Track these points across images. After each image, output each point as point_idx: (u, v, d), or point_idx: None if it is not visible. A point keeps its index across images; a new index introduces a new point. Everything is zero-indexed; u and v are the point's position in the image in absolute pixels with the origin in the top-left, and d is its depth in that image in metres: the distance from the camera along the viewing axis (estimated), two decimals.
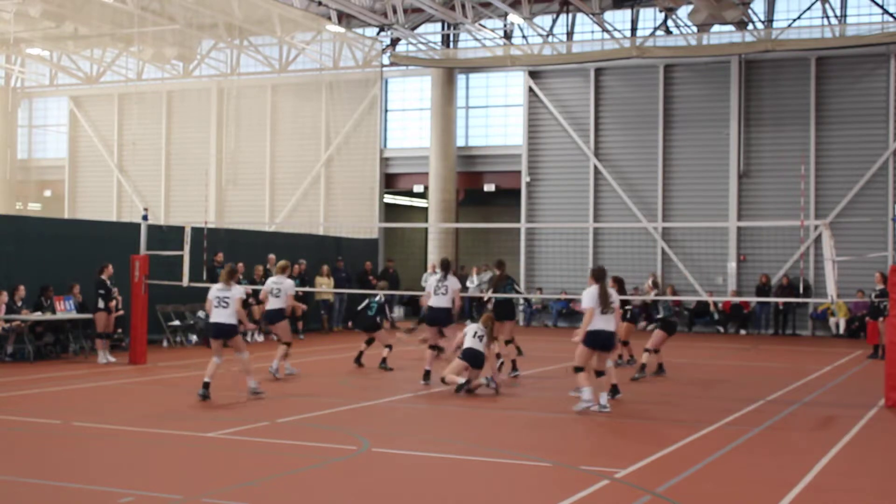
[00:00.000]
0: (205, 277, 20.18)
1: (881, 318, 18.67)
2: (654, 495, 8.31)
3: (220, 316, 13.53)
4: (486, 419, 12.49)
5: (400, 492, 8.52)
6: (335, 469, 9.31)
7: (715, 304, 27.75)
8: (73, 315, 18.63)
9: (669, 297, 17.33)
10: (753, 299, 27.12)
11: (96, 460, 9.75)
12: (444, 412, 13.12)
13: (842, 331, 26.80)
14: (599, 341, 12.47)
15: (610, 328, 12.55)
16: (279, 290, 15.77)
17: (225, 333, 13.59)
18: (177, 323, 21.53)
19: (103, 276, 18.06)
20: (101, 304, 17.94)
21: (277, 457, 9.93)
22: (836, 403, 14.29)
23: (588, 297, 12.46)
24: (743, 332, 27.97)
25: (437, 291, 15.53)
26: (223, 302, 13.52)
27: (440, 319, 15.70)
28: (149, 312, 18.47)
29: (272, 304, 15.89)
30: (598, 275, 12.68)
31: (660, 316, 16.83)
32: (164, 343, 21.09)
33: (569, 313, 29.77)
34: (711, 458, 9.97)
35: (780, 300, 26.01)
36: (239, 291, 13.64)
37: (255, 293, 22.53)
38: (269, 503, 8.10)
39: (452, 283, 15.65)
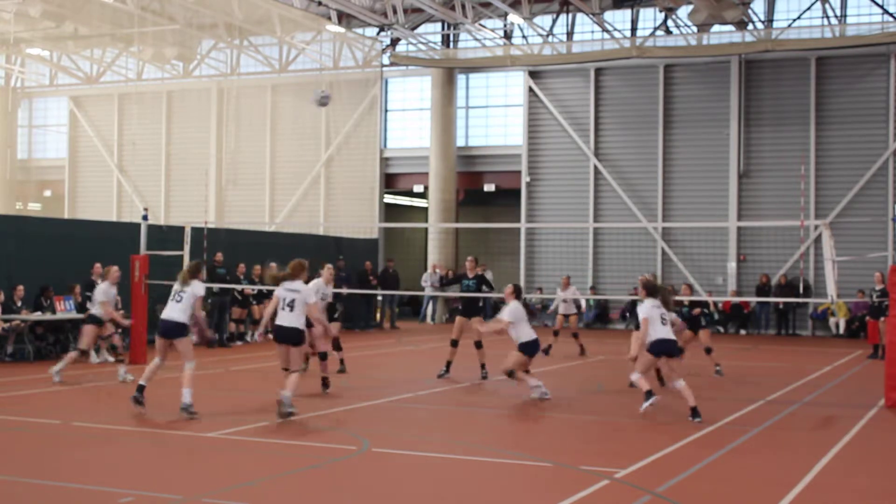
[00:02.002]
0: (204, 277, 20.15)
1: (881, 318, 18.67)
2: (654, 495, 8.30)
3: (168, 311, 12.04)
4: (486, 419, 12.49)
5: (400, 492, 8.51)
6: (335, 469, 9.31)
7: (715, 304, 27.73)
8: (73, 315, 18.62)
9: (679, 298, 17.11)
10: (753, 299, 27.12)
11: (96, 460, 9.74)
12: (444, 412, 13.11)
13: (842, 331, 26.81)
14: (537, 349, 13.77)
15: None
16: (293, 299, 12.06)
17: (171, 332, 11.97)
18: None
19: (92, 277, 18.08)
20: (88, 304, 17.93)
21: (277, 457, 9.93)
22: (836, 403, 14.29)
23: (517, 313, 13.62)
24: (743, 332, 27.98)
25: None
26: (177, 296, 12.09)
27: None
28: (149, 312, 18.44)
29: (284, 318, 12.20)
30: (520, 292, 14.09)
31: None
32: None
33: None
34: (711, 458, 9.96)
35: (780, 300, 26.01)
36: (199, 288, 12.17)
37: (257, 294, 22.55)
38: (269, 503, 8.10)
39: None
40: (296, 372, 11.77)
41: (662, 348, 12.20)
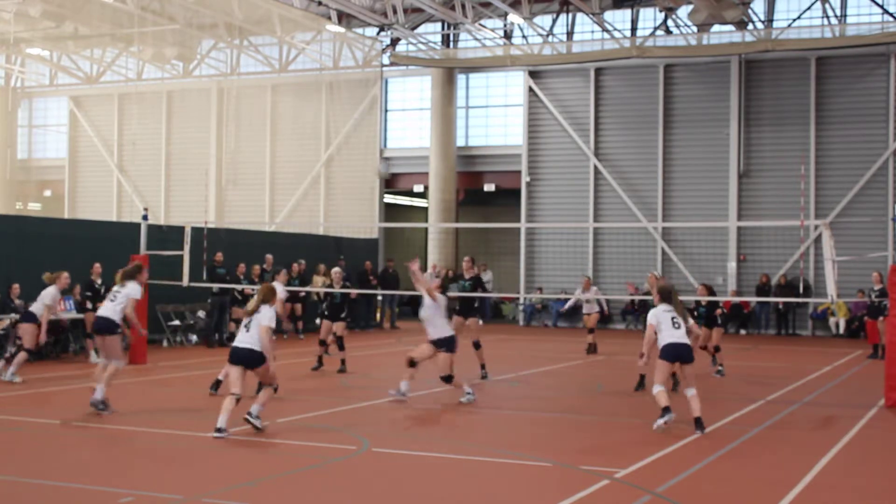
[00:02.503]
0: (205, 277, 20.18)
1: (881, 318, 18.67)
2: (654, 495, 8.30)
3: (102, 309, 12.32)
4: (486, 419, 12.49)
5: (400, 492, 8.51)
6: (335, 469, 9.31)
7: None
8: (73, 315, 18.63)
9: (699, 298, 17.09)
10: (754, 299, 27.11)
11: (96, 460, 9.75)
12: (443, 412, 13.11)
13: (842, 331, 26.82)
14: (453, 344, 13.58)
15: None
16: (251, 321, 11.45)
17: (101, 328, 12.19)
18: (177, 323, 21.54)
19: (92, 277, 18.08)
20: (87, 304, 17.95)
21: (277, 457, 9.93)
22: (836, 403, 14.29)
23: (443, 303, 13.64)
24: (743, 332, 27.97)
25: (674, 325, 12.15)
26: (113, 295, 12.29)
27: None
28: (149, 312, 18.45)
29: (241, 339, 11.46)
30: (446, 287, 14.15)
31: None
32: (164, 343, 21.08)
33: (569, 313, 29.73)
34: (711, 458, 9.96)
35: (780, 300, 26.00)
36: (134, 290, 12.19)
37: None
38: (269, 503, 8.10)
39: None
40: (270, 387, 11.33)
41: (675, 353, 11.56)
